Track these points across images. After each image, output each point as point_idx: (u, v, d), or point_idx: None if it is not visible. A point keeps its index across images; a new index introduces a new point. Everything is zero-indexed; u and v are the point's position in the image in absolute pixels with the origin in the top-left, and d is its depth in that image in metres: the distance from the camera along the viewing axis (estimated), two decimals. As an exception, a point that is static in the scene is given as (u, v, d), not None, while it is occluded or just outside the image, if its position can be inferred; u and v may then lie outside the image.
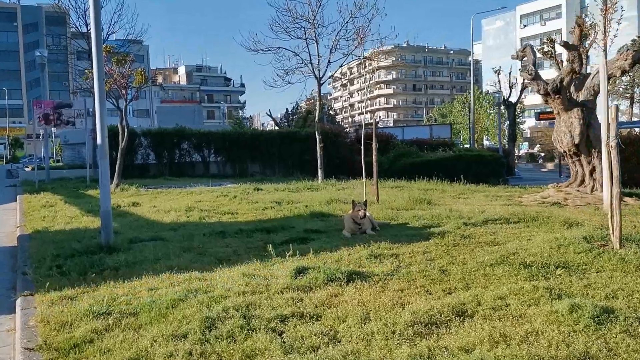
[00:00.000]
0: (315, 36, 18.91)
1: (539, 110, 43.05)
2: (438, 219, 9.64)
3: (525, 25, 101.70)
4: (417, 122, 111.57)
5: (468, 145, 38.67)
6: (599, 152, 14.62)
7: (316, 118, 20.35)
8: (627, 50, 14.33)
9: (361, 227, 8.82)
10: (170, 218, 11.24)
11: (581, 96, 14.89)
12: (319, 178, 18.83)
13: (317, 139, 19.18)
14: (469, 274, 5.94)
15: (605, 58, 11.12)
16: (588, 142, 14.35)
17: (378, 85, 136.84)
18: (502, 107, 38.15)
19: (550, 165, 50.76)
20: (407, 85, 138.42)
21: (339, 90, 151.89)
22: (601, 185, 14.16)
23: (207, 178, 23.92)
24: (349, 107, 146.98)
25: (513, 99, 37.76)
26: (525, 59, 15.61)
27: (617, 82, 41.81)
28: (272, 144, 24.68)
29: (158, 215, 11.73)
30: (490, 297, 4.99)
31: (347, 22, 19.24)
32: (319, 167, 19.03)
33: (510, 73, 46.64)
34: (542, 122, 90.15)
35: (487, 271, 6.02)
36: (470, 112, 43.15)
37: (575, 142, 14.26)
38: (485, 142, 74.61)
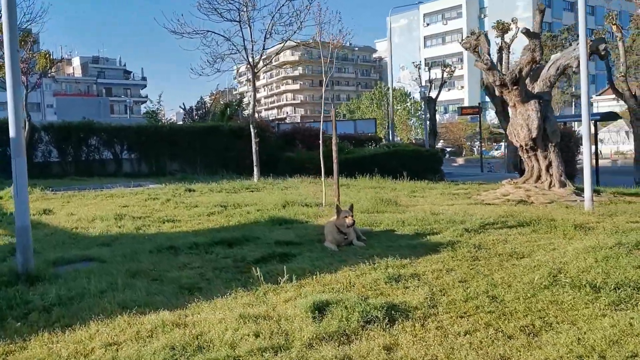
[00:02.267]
0: (248, 19, 17.13)
1: (460, 106, 43.35)
2: (427, 224, 8.35)
3: (428, 24, 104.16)
4: (325, 116, 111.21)
5: (384, 141, 38.22)
6: (556, 146, 14.07)
7: (252, 109, 18.57)
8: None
9: (347, 237, 7.35)
10: (97, 229, 9.20)
11: (536, 88, 14.23)
12: (255, 177, 17.12)
13: (252, 134, 17.44)
14: (529, 302, 4.64)
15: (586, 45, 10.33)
16: (545, 137, 13.69)
17: (285, 81, 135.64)
18: (422, 103, 37.90)
19: (460, 160, 51.62)
20: (314, 81, 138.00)
21: (245, 85, 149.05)
22: (559, 182, 13.58)
23: (121, 177, 21.44)
24: (256, 103, 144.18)
25: (433, 94, 37.53)
26: (479, 47, 14.73)
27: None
28: (193, 139, 22.49)
29: (81, 226, 9.63)
30: (604, 341, 3.70)
31: (282, 5, 17.63)
32: (254, 164, 17.32)
33: (419, 69, 46.87)
34: (446, 117, 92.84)
35: (548, 296, 4.75)
36: (390, 106, 42.76)
37: (533, 136, 13.54)
38: (396, 139, 75.17)
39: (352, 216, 7.34)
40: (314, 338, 3.93)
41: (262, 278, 5.48)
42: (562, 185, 13.51)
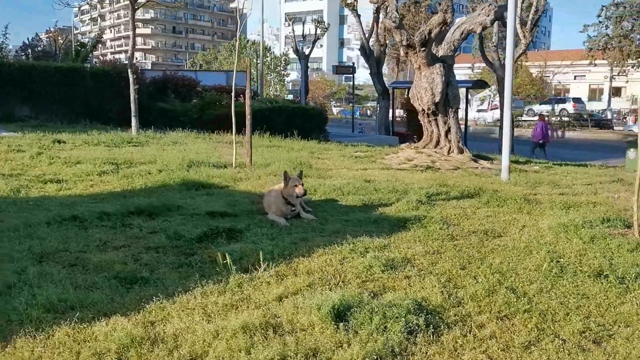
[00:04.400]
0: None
1: (334, 64, 42.92)
2: (367, 193, 7.58)
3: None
4: (177, 66, 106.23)
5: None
6: (456, 112, 14.02)
7: (130, 51, 16.32)
8: (490, 5, 13.73)
9: (294, 209, 6.35)
10: (-43, 191, 7.24)
11: (441, 51, 13.93)
12: (134, 129, 15.18)
13: (131, 79, 15.32)
14: (557, 296, 4.09)
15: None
16: (446, 101, 13.54)
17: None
18: (298, 59, 36.85)
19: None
20: (167, 26, 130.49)
21: (88, 24, 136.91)
22: (457, 148, 13.58)
23: (-43, 122, 18.11)
24: (100, 45, 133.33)
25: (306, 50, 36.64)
26: (386, 4, 14.06)
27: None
28: (49, 81, 19.46)
29: None
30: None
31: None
32: (132, 115, 15.30)
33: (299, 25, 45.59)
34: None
35: (570, 288, 4.23)
36: (259, 61, 41.21)
37: (436, 101, 13.32)
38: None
39: (302, 185, 6.34)
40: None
41: (232, 266, 4.34)
42: (460, 151, 13.52)
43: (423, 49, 13.05)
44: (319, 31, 34.60)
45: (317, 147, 14.71)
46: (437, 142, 13.83)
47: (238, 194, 7.51)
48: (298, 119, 19.35)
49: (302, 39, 34.81)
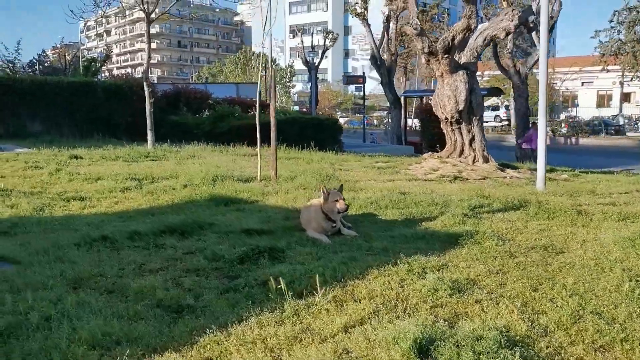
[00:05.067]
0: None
1: (346, 75, 42.62)
2: (406, 207, 7.20)
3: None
4: (183, 80, 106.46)
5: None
6: (479, 120, 13.63)
7: (146, 65, 16.04)
8: (513, 10, 13.38)
9: (335, 225, 5.97)
10: (-21, 211, 6.90)
11: (463, 58, 13.57)
12: (149, 143, 14.86)
13: (147, 93, 15.05)
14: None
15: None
16: (470, 109, 13.17)
17: (140, 39, 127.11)
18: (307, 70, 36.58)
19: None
20: (172, 40, 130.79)
21: (94, 40, 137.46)
22: (482, 157, 13.19)
23: (-31, 139, 17.84)
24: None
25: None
26: (406, 11, 13.75)
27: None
28: (60, 96, 19.21)
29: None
30: None
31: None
32: (148, 128, 14.98)
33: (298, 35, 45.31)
34: (310, 85, 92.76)
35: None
36: (267, 74, 40.96)
37: (460, 109, 12.94)
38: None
39: (344, 199, 5.97)
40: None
41: (287, 291, 3.96)
42: (485, 160, 13.14)
43: (446, 56, 12.70)
44: (327, 42, 34.35)
45: (336, 158, 14.35)
46: (462, 151, 13.44)
47: (270, 209, 7.14)
48: (311, 130, 18.99)
49: (311, 50, 34.55)
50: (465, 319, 3.67)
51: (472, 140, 13.35)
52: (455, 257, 5.09)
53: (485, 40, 13.51)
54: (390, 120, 29.52)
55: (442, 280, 4.27)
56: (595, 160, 24.23)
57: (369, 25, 28.09)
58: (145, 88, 14.99)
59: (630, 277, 4.48)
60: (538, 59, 23.85)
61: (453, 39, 12.56)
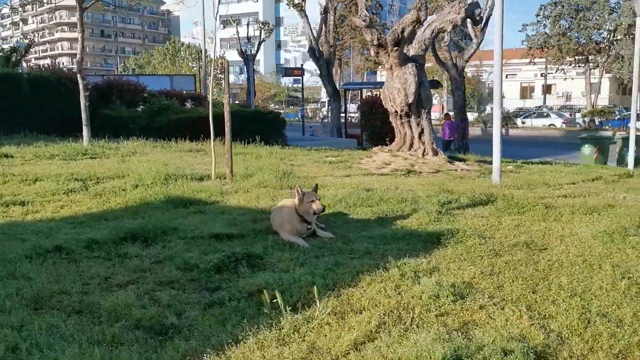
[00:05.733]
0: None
1: (284, 67, 42.04)
2: (375, 204, 6.98)
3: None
4: (107, 71, 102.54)
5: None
6: (428, 113, 13.65)
7: (79, 55, 15.01)
8: (460, 3, 13.41)
9: (310, 227, 5.67)
10: None
11: (412, 50, 13.51)
12: (85, 139, 13.94)
13: (81, 85, 14.06)
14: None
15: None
16: (419, 102, 13.15)
17: (60, 28, 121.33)
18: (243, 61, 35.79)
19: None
20: (95, 30, 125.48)
21: (9, 29, 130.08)
22: (432, 150, 13.20)
23: None
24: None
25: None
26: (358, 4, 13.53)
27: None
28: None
29: None
30: None
31: None
32: (84, 123, 14.03)
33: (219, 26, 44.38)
34: (241, 77, 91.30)
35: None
36: (202, 65, 39.83)
37: (409, 102, 12.88)
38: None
39: (319, 199, 5.67)
40: None
41: (284, 306, 3.63)
42: (435, 153, 13.15)
43: (396, 48, 12.59)
44: (263, 33, 33.78)
45: (284, 153, 14.00)
46: (411, 145, 13.41)
47: (234, 211, 6.75)
48: (253, 124, 18.51)
49: (247, 41, 33.84)
50: (475, 328, 3.48)
51: (421, 133, 13.34)
52: (442, 258, 4.91)
53: (432, 32, 13.51)
54: (329, 112, 29.35)
55: (440, 285, 4.07)
56: (527, 151, 25.03)
57: (306, 16, 27.76)
58: (80, 80, 14.06)
59: (622, 274, 4.43)
60: (474, 52, 24.38)
61: (403, 31, 12.46)
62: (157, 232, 5.64)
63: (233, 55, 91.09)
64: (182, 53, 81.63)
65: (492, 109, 49.07)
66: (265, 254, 5.00)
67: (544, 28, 35.65)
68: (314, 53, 27.69)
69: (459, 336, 3.28)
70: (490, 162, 14.11)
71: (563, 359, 3.11)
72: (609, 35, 35.35)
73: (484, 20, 23.58)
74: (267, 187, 8.10)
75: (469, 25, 23.04)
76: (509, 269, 4.61)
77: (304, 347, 3.24)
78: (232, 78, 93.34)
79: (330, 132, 28.24)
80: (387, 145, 14.87)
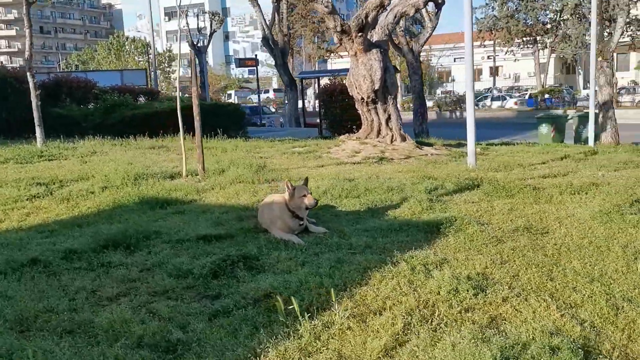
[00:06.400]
0: None
1: (238, 58, 41.20)
2: (362, 195, 6.75)
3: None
4: (48, 68, 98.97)
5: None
6: (395, 99, 13.52)
7: (28, 52, 14.13)
8: (422, -14, 13.26)
9: (302, 223, 5.40)
10: None
11: (375, 36, 13.31)
12: (39, 140, 13.18)
13: (31, 84, 13.21)
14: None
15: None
16: (385, 89, 12.98)
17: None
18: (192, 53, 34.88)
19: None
20: (33, 26, 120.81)
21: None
22: (400, 136, 13.07)
23: None
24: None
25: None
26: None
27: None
28: None
29: None
30: None
31: None
32: (36, 124, 13.21)
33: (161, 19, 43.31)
34: (189, 69, 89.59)
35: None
36: (150, 57, 38.78)
37: (375, 88, 12.68)
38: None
39: (311, 193, 5.40)
40: None
41: (302, 312, 3.36)
42: (403, 139, 13.02)
43: (360, 34, 12.36)
44: (214, 24, 32.99)
45: (249, 146, 13.64)
46: (379, 131, 13.24)
47: (215, 209, 6.41)
48: (212, 117, 17.94)
49: (198, 33, 33.03)
50: (505, 322, 3.30)
51: (388, 119, 13.18)
52: (446, 248, 4.73)
53: (395, 17, 13.34)
54: (286, 102, 28.97)
55: (457, 278, 3.87)
56: (485, 133, 25.18)
57: (258, 5, 27.23)
58: (30, 79, 13.26)
59: (634, 255, 4.35)
60: (429, 36, 24.40)
61: (367, 17, 12.23)
62: (138, 237, 5.26)
63: (181, 48, 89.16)
64: (127, 47, 79.31)
65: (442, 92, 49.64)
66: (260, 255, 4.71)
67: (493, 11, 36.13)
68: (267, 43, 27.22)
69: (494, 334, 3.09)
70: (456, 146, 14.18)
71: (606, 351, 2.96)
72: (555, 16, 36.12)
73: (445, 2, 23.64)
74: (243, 183, 7.77)
75: (424, 10, 23.00)
76: (517, 256, 4.47)
77: (331, 356, 2.99)
78: (181, 71, 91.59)
79: (289, 122, 27.89)
80: (349, 133, 14.72)
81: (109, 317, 3.56)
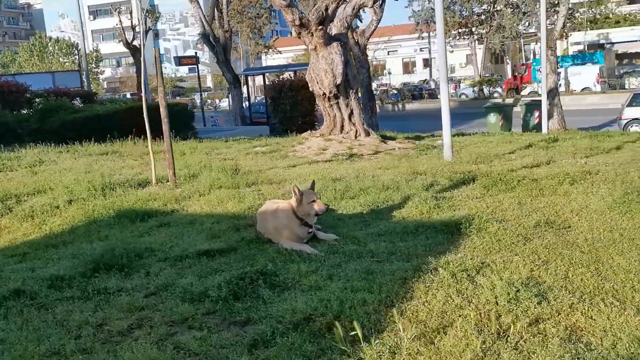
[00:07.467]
0: None
1: (178, 56, 39.85)
2: (357, 195, 6.37)
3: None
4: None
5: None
6: (356, 93, 13.25)
7: None
8: (379, -22, 12.99)
9: (311, 231, 4.97)
10: None
11: (334, 29, 12.94)
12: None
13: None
14: None
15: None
16: (346, 83, 12.66)
17: None
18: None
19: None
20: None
21: None
22: (364, 130, 12.79)
23: None
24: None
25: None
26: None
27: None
28: None
29: None
30: None
31: None
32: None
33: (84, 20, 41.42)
34: (119, 70, 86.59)
35: None
36: (79, 57, 36.88)
37: (337, 82, 12.34)
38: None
39: (319, 199, 4.98)
40: None
41: (362, 336, 2.95)
42: (367, 134, 12.73)
43: (320, 27, 11.95)
44: (149, 22, 31.80)
45: (206, 147, 13.00)
46: (342, 127, 12.90)
47: (204, 220, 5.87)
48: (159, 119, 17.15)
49: (133, 30, 31.71)
50: (587, 334, 3.01)
51: (351, 114, 12.87)
52: (477, 250, 4.42)
53: (354, 9, 13.02)
54: (230, 100, 28.22)
55: (512, 284, 3.56)
56: (430, 124, 25.31)
57: (197, 1, 26.35)
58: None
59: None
60: (375, 29, 24.29)
61: (327, 9, 11.86)
62: (130, 256, 4.69)
63: (109, 47, 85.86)
64: (50, 48, 75.81)
65: (379, 85, 49.84)
66: (277, 269, 4.25)
67: (429, 3, 36.49)
68: (208, 39, 26.40)
69: (584, 349, 2.79)
70: (416, 139, 14.08)
71: None
72: (489, 7, 36.88)
73: (383, -4, 23.54)
74: (223, 188, 7.23)
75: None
76: (555, 255, 4.21)
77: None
78: (108, 72, 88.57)
79: (234, 120, 27.18)
80: (299, 129, 14.36)
81: (131, 357, 3.04)
